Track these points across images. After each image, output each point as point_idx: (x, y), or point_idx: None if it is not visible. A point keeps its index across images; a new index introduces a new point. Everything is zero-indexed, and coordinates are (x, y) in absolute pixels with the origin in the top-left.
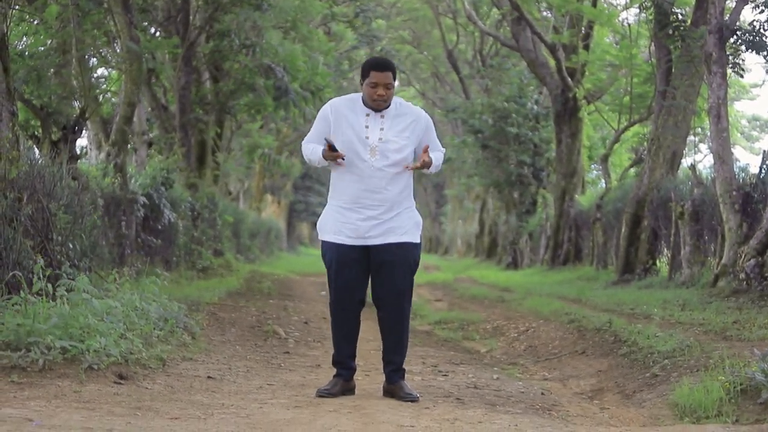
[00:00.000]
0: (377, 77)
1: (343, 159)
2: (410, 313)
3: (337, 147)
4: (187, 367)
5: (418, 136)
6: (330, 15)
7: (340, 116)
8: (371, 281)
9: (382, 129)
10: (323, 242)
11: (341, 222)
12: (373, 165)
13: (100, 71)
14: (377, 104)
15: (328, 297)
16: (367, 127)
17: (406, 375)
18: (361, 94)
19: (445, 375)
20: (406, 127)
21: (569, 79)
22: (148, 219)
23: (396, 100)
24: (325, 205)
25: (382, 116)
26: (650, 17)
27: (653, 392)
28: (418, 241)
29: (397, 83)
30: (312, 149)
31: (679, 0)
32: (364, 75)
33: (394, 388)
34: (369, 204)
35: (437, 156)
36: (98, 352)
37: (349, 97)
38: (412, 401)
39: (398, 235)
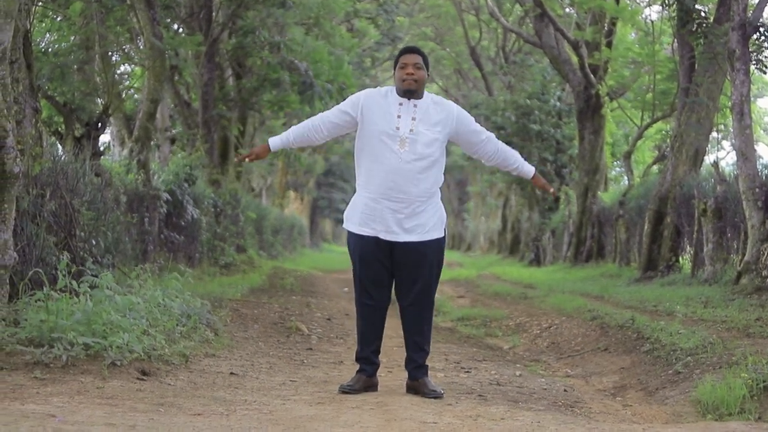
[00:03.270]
0: (406, 59)
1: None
2: (433, 310)
3: (366, 137)
4: (210, 364)
5: (449, 132)
6: (353, 12)
7: (373, 105)
8: (395, 278)
9: (413, 119)
10: (349, 233)
11: (368, 214)
12: (402, 158)
13: (123, 68)
14: (407, 84)
15: (352, 293)
16: (399, 116)
17: (429, 371)
18: (395, 86)
19: (468, 371)
20: (439, 122)
21: (592, 76)
22: (171, 215)
23: (430, 95)
24: (351, 195)
25: (415, 105)
26: (673, 14)
27: (676, 389)
28: (443, 235)
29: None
30: (303, 126)
31: None
32: (396, 63)
33: (418, 384)
34: (396, 197)
35: (502, 149)
36: (121, 348)
37: (383, 88)
38: (436, 398)
39: (423, 233)
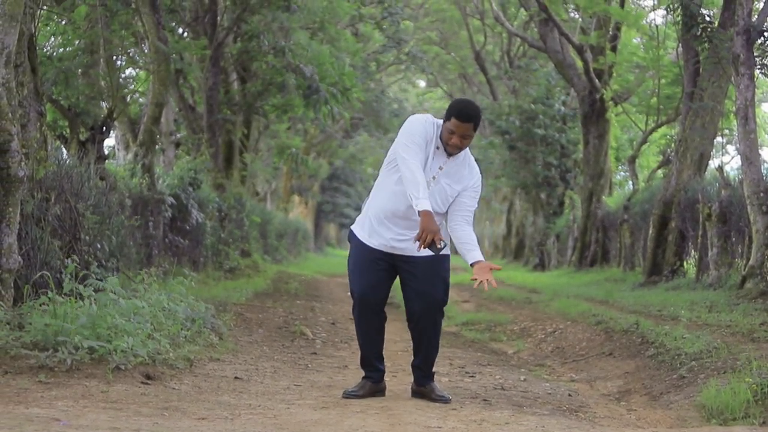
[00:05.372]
0: (457, 127)
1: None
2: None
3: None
4: (215, 368)
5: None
6: (358, 16)
7: (427, 139)
8: (405, 291)
9: (441, 168)
10: (355, 236)
11: (374, 228)
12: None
13: (128, 72)
14: (451, 149)
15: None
16: (429, 158)
17: (434, 377)
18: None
19: (473, 376)
20: (461, 180)
21: (597, 81)
22: (176, 219)
23: (467, 155)
24: (355, 200)
25: (449, 155)
26: (678, 19)
27: (680, 394)
28: (448, 253)
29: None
30: (417, 176)
31: (706, 1)
32: (447, 117)
33: (425, 390)
34: (402, 225)
35: (467, 228)
36: (125, 353)
37: (437, 122)
38: (444, 403)
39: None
